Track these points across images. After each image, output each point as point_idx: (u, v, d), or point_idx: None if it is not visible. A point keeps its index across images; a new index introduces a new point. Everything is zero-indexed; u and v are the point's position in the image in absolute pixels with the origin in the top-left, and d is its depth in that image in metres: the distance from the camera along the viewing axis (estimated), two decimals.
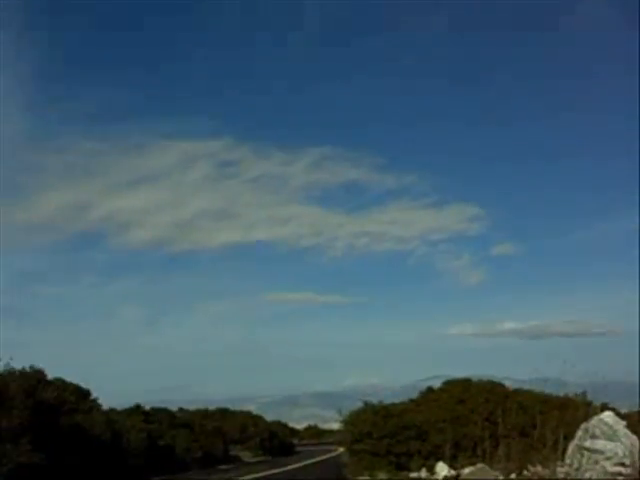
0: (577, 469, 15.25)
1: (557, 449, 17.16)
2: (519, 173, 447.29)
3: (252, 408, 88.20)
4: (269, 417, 76.63)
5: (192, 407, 58.58)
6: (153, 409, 45.49)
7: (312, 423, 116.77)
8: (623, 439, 15.08)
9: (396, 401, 32.88)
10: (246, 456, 55.04)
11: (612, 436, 15.12)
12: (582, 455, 15.30)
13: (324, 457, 51.35)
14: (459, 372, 36.16)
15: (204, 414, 56.53)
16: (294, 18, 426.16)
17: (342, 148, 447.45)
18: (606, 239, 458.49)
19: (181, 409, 54.59)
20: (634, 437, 15.30)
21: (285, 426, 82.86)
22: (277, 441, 64.52)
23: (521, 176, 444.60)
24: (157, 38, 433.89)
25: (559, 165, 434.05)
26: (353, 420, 27.71)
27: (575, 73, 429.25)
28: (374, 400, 29.09)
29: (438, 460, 23.79)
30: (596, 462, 14.91)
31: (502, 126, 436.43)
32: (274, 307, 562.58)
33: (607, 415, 15.96)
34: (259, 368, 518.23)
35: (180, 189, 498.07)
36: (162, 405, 48.97)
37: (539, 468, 18.37)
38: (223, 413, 61.19)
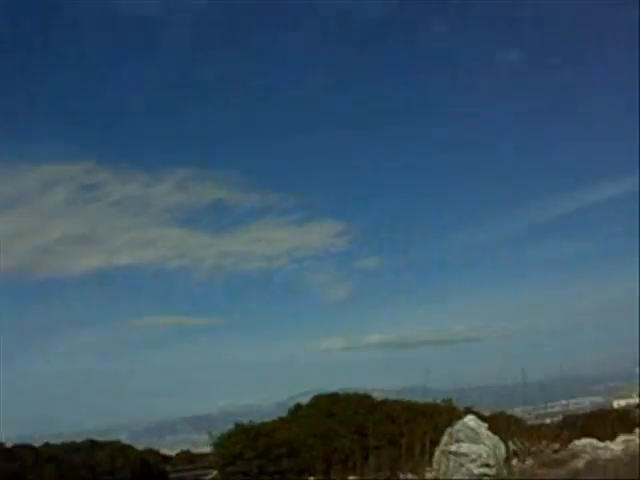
0: (444, 473, 15.60)
1: (425, 455, 17.49)
2: (381, 187, 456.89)
3: (123, 437, 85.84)
4: (141, 445, 74.69)
5: (59, 441, 56.36)
6: (15, 446, 43.45)
7: (185, 448, 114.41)
8: (486, 441, 15.55)
9: (268, 420, 32.77)
10: None
11: (476, 439, 15.56)
12: (448, 459, 15.66)
13: None
14: (330, 387, 36.44)
15: (71, 447, 54.48)
16: (151, 39, 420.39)
17: (206, 168, 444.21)
18: (465, 248, 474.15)
19: (47, 444, 52.39)
20: (496, 438, 15.82)
21: (157, 453, 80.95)
22: (148, 470, 62.95)
23: (383, 190, 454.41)
24: (8, 60, 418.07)
25: (420, 177, 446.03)
26: (224, 442, 27.41)
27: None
28: (247, 421, 28.92)
29: (310, 476, 23.85)
30: (462, 465, 15.29)
31: (359, 138, 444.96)
32: (142, 332, 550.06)
33: (470, 419, 16.43)
34: (129, 395, 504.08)
35: (39, 214, 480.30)
36: (26, 441, 46.89)
37: (409, 475, 18.69)
38: (92, 445, 59.16)
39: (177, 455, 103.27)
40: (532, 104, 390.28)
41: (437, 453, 16.32)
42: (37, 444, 48.34)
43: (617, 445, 25.78)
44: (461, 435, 15.76)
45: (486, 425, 16.37)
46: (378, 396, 31.93)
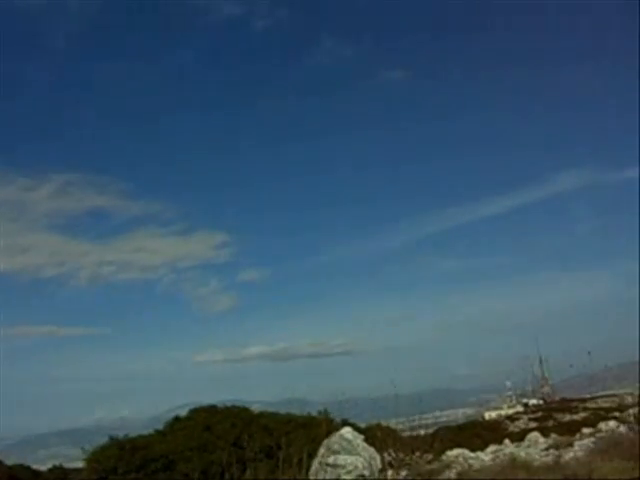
0: None
1: (302, 467, 17.60)
2: (265, 199, 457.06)
3: None
4: (11, 460, 71.92)
5: None
6: None
7: (57, 463, 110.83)
8: (362, 452, 15.80)
9: (145, 433, 32.17)
10: None
11: (352, 450, 15.78)
12: (325, 471, 15.81)
13: None
14: (208, 399, 36.14)
15: None
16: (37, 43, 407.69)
17: (87, 174, 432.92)
18: (345, 263, 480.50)
19: None
20: (372, 449, 16.09)
21: (28, 469, 78.16)
22: None
23: (267, 203, 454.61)
24: None
25: (304, 191, 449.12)
26: (97, 456, 26.73)
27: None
28: (122, 434, 28.29)
29: None
30: (338, 476, 15.48)
31: (235, 153, 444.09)
32: (14, 342, 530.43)
33: (346, 430, 16.66)
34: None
35: None
36: None
37: None
38: None
39: (49, 470, 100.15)
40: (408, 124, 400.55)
41: (314, 465, 16.46)
42: None
43: (487, 455, 26.72)
44: (337, 447, 15.95)
45: (362, 437, 16.64)
46: (256, 408, 31.87)
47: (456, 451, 20.39)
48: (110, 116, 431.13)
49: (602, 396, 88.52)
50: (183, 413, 33.15)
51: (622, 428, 21.01)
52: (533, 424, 64.59)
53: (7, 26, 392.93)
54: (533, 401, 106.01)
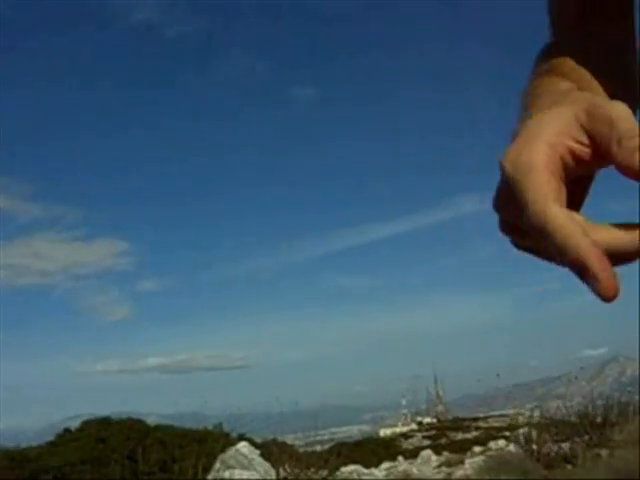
0: None
1: None
2: (169, 207, 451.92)
3: None
4: None
5: None
6: None
7: None
8: (258, 467, 15.90)
9: (34, 444, 31.32)
10: None
11: (248, 465, 15.86)
12: None
13: None
14: (103, 410, 35.53)
15: None
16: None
17: None
18: (248, 275, 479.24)
19: None
20: (267, 464, 16.20)
21: None
22: None
23: (171, 210, 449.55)
24: None
25: (212, 201, 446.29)
26: None
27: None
28: (11, 444, 27.48)
29: None
30: None
31: (142, 163, 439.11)
32: None
33: (242, 445, 16.74)
34: None
35: None
36: None
37: None
38: None
39: None
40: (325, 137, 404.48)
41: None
42: None
43: (380, 472, 27.13)
44: (233, 461, 16.00)
45: (258, 452, 16.73)
46: (152, 421, 31.48)
47: (351, 467, 20.64)
48: (12, 116, 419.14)
49: (494, 416, 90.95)
50: (75, 424, 32.43)
51: (511, 447, 21.69)
52: (427, 442, 65.59)
53: None
54: (427, 419, 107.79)
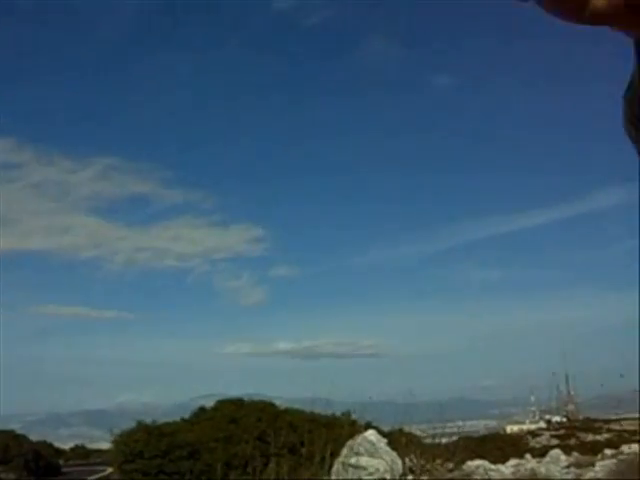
0: None
1: (324, 466, 17.91)
2: (303, 195, 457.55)
3: (17, 427, 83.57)
4: (35, 436, 73.13)
5: None
6: None
7: (79, 442, 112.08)
8: (384, 456, 16.13)
9: (168, 420, 32.67)
10: (9, 478, 52.37)
11: (374, 453, 16.12)
12: (347, 471, 16.17)
13: (92, 478, 49.92)
14: (233, 391, 36.63)
15: None
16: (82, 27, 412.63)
17: (129, 160, 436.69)
18: (383, 264, 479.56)
19: None
20: (394, 454, 16.41)
21: (50, 446, 79.33)
22: (43, 462, 61.76)
23: (305, 199, 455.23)
24: None
25: (343, 190, 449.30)
26: (125, 439, 27.24)
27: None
28: (147, 418, 28.79)
29: (208, 479, 24.04)
30: (359, 478, 15.83)
31: (281, 149, 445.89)
32: (44, 320, 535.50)
33: (370, 433, 17.00)
34: (24, 385, 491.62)
35: None
36: None
37: None
38: None
39: (71, 449, 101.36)
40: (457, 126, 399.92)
41: (336, 464, 16.81)
42: None
43: (507, 468, 26.86)
44: (361, 449, 16.30)
45: (385, 440, 16.96)
46: (280, 404, 32.25)
47: (477, 462, 20.57)
48: (155, 105, 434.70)
49: (628, 419, 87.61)
50: (207, 403, 33.62)
51: None
52: (555, 441, 64.20)
53: (62, 16, 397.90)
54: (556, 418, 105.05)
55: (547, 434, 75.96)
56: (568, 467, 25.64)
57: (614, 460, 21.85)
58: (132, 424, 27.92)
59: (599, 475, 19.81)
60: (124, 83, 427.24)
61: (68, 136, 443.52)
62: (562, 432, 77.87)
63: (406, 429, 24.30)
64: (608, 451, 31.59)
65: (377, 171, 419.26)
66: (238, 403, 30.50)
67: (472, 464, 19.90)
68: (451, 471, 17.20)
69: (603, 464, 21.71)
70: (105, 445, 42.37)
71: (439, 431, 23.47)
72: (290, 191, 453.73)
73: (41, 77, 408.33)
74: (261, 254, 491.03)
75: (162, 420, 31.24)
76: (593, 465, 22.86)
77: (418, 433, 25.30)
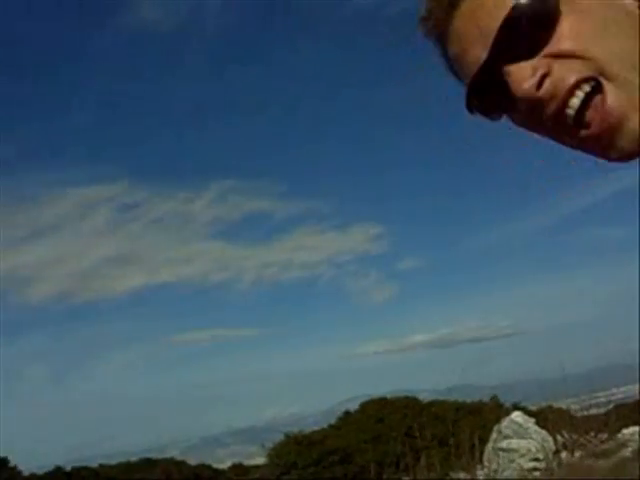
0: (495, 470, 15.98)
1: (475, 453, 17.84)
2: (414, 188, 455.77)
3: (175, 453, 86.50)
4: (193, 460, 75.21)
5: (113, 461, 56.98)
6: (74, 469, 44.17)
7: (236, 461, 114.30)
8: (534, 436, 15.92)
9: (317, 428, 33.15)
10: None
11: (524, 434, 15.93)
12: (498, 456, 16.04)
13: None
14: (376, 390, 36.94)
15: (127, 466, 55.15)
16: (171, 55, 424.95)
17: (243, 180, 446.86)
18: (505, 241, 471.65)
19: (101, 465, 53.10)
20: (544, 432, 16.16)
21: (209, 467, 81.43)
22: None
23: (417, 191, 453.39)
24: (33, 87, 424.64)
25: (450, 176, 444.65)
26: (277, 453, 27.82)
27: None
28: (296, 429, 29.28)
29: None
30: (512, 461, 15.67)
31: (378, 145, 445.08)
32: (184, 347, 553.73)
33: (517, 415, 16.82)
34: (176, 412, 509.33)
35: (80, 238, 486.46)
36: (82, 463, 47.67)
37: (461, 474, 19.04)
38: (147, 462, 59.76)
39: (230, 468, 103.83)
40: None
41: (487, 450, 16.70)
42: (92, 465, 49.12)
43: None
44: (509, 431, 16.14)
45: (533, 420, 16.72)
46: (425, 397, 32.24)
47: (632, 429, 19.89)
48: (252, 120, 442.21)
49: None
50: (353, 406, 33.95)
51: None
52: None
53: (146, 49, 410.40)
54: None
55: None
56: None
57: None
58: (282, 437, 28.50)
59: None
60: (215, 107, 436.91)
61: (179, 168, 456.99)
62: None
63: (555, 405, 23.88)
64: None
65: (474, 156, 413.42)
66: (382, 402, 30.66)
67: (627, 432, 19.27)
68: (605, 442, 16.77)
69: None
70: (260, 460, 43.15)
71: (589, 402, 22.95)
72: (401, 186, 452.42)
73: (138, 119, 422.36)
74: (384, 250, 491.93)
75: (311, 429, 31.76)
76: None
77: (568, 407, 24.79)
